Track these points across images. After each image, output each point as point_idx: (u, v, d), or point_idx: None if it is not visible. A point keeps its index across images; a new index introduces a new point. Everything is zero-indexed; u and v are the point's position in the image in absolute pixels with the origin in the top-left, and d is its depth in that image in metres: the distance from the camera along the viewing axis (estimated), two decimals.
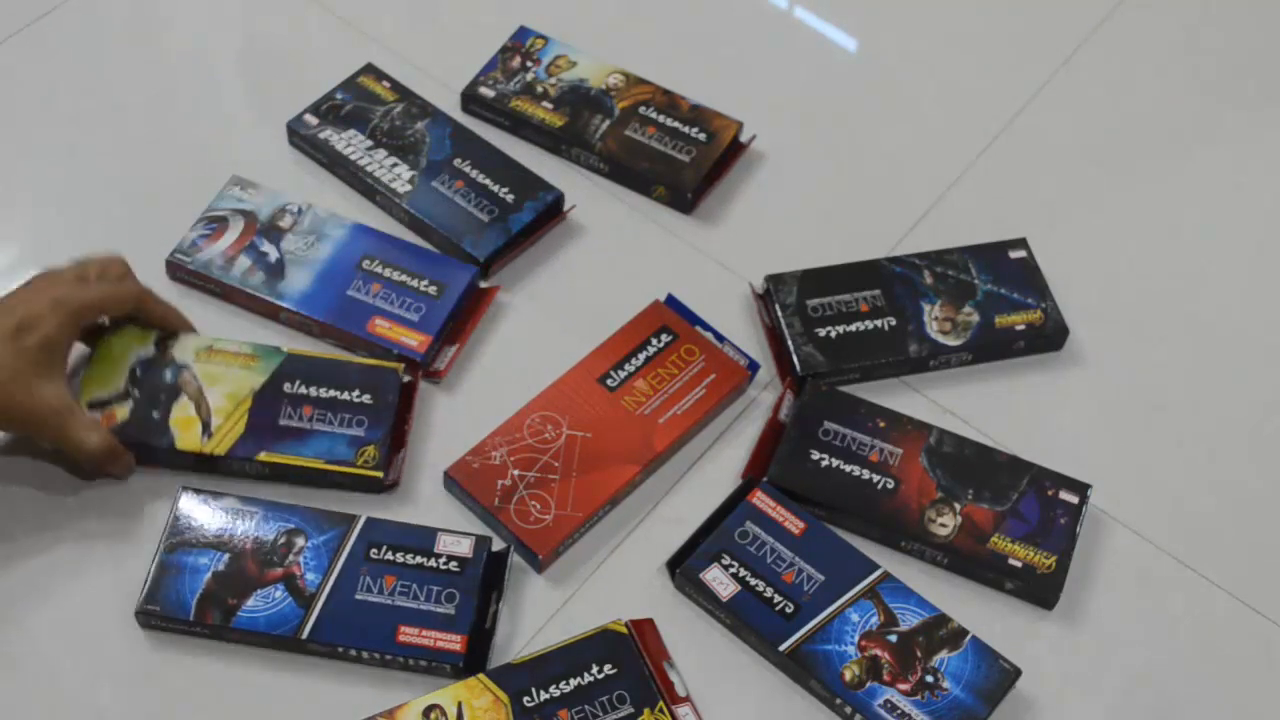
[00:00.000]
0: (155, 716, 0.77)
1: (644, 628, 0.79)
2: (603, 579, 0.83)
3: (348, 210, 0.99)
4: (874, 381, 0.93)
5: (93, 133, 1.03)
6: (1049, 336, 0.94)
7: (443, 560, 0.80)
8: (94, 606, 0.80)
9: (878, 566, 0.82)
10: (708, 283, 0.97)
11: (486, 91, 1.05)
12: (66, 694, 0.77)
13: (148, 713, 0.77)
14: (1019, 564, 0.83)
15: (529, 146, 1.04)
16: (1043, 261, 0.96)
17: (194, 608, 0.77)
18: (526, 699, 0.75)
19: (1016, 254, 0.97)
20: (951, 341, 0.92)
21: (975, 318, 0.93)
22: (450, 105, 1.05)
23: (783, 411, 0.90)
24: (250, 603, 0.78)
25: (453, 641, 0.77)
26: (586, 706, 0.75)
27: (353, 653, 0.78)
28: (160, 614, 0.78)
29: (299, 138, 1.02)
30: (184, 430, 0.83)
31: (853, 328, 0.92)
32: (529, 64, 1.06)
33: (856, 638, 0.79)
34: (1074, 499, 0.85)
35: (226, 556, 0.79)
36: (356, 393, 0.85)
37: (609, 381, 0.89)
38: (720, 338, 0.92)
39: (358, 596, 0.78)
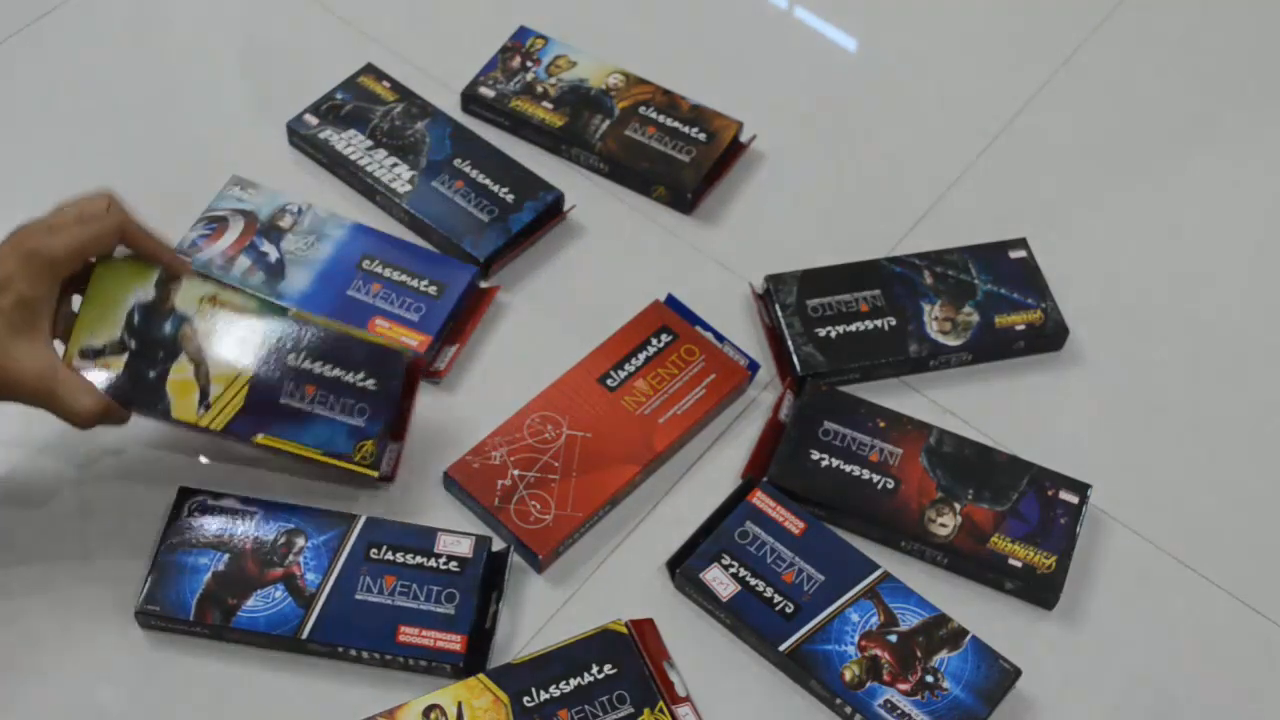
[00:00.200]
0: (155, 716, 0.77)
1: (644, 628, 0.79)
2: (603, 579, 0.83)
3: (348, 210, 0.99)
4: (874, 381, 0.93)
5: (93, 133, 1.03)
6: (1049, 336, 0.94)
7: (443, 560, 0.80)
8: (94, 606, 0.80)
9: (878, 566, 0.82)
10: (708, 283, 0.97)
11: (486, 91, 1.05)
12: (66, 694, 0.77)
13: (148, 713, 0.77)
14: (1019, 564, 0.83)
15: (529, 146, 1.04)
16: (1043, 261, 0.96)
17: (194, 608, 0.77)
18: (526, 699, 0.75)
19: (1016, 254, 0.97)
20: (951, 341, 0.92)
21: (975, 318, 0.93)
22: (450, 105, 1.05)
23: (783, 411, 0.90)
24: (250, 603, 0.78)
25: (453, 641, 0.77)
26: (586, 706, 0.75)
27: (353, 653, 0.78)
28: (160, 614, 0.78)
29: (299, 138, 1.02)
30: (181, 397, 0.78)
31: (853, 328, 0.92)
32: (529, 64, 1.06)
33: (856, 638, 0.79)
34: (1074, 499, 0.85)
35: (226, 556, 0.79)
36: (361, 375, 0.80)
37: (609, 381, 0.89)
38: (720, 338, 0.92)
39: (358, 596, 0.78)
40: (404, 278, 0.92)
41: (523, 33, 1.08)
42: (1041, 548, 0.83)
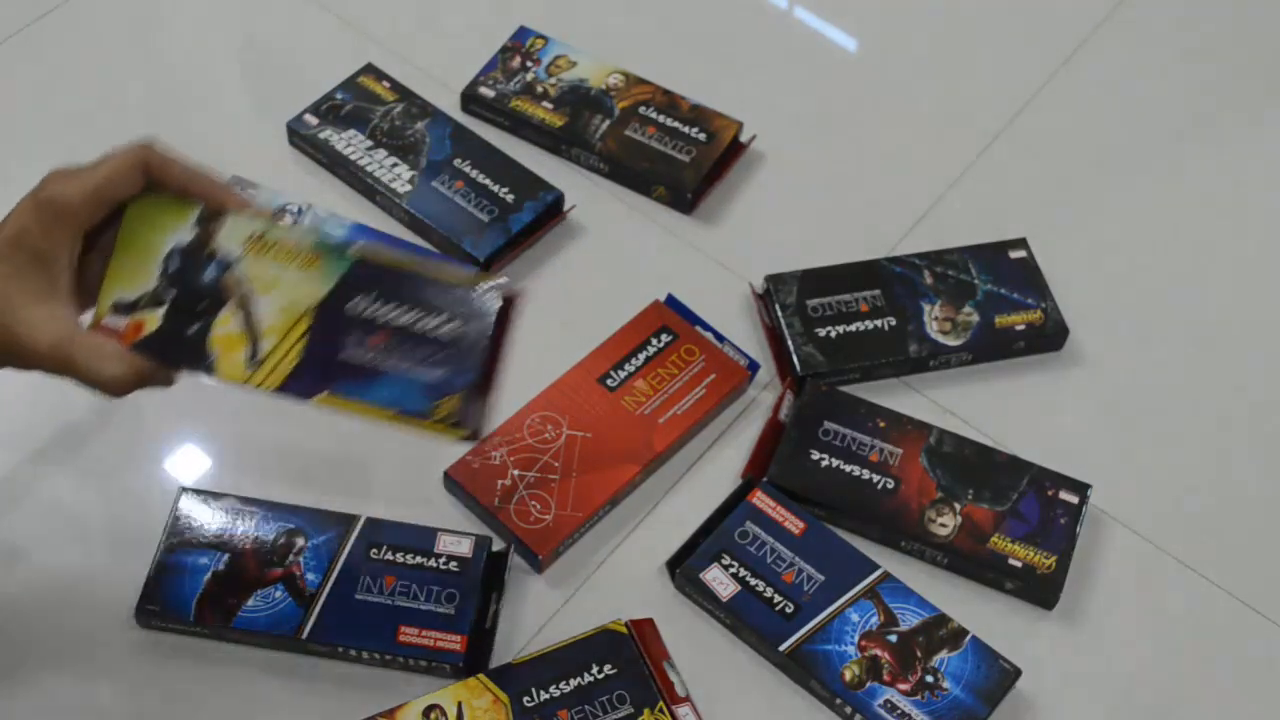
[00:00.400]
0: (155, 716, 0.77)
1: (644, 628, 0.79)
2: (603, 579, 0.83)
3: (348, 210, 0.99)
4: (874, 381, 0.93)
5: (93, 133, 1.03)
6: (1049, 336, 0.94)
7: (443, 560, 0.80)
8: (94, 606, 0.80)
9: (878, 566, 0.82)
10: (708, 283, 0.97)
11: (486, 91, 1.05)
12: (66, 694, 0.77)
13: (148, 713, 0.77)
14: (1019, 564, 0.83)
15: (529, 146, 1.04)
16: (1043, 261, 0.96)
17: (194, 608, 0.77)
18: (526, 699, 0.75)
19: (1016, 254, 0.97)
20: (951, 341, 0.92)
21: (975, 318, 0.93)
22: (450, 105, 1.05)
23: (783, 411, 0.90)
24: (250, 603, 0.78)
25: (453, 641, 0.77)
26: (586, 706, 0.75)
27: (353, 653, 0.78)
28: (160, 614, 0.78)
29: (299, 138, 1.02)
30: (227, 353, 0.67)
31: (853, 328, 0.92)
32: (529, 64, 1.06)
33: (856, 638, 0.79)
34: (1074, 499, 0.85)
35: (226, 556, 0.79)
36: (441, 319, 0.67)
37: (609, 381, 0.89)
38: (720, 338, 0.92)
39: (358, 596, 0.78)
40: None
41: (523, 33, 1.08)
42: (1041, 548, 0.83)
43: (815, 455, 0.86)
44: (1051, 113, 1.10)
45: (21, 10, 1.10)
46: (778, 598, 0.80)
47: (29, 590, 0.81)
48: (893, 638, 0.79)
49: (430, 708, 0.75)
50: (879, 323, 0.93)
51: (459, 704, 0.75)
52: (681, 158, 1.01)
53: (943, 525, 0.84)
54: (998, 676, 0.78)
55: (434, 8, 1.14)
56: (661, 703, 0.76)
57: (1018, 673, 0.78)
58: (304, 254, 0.68)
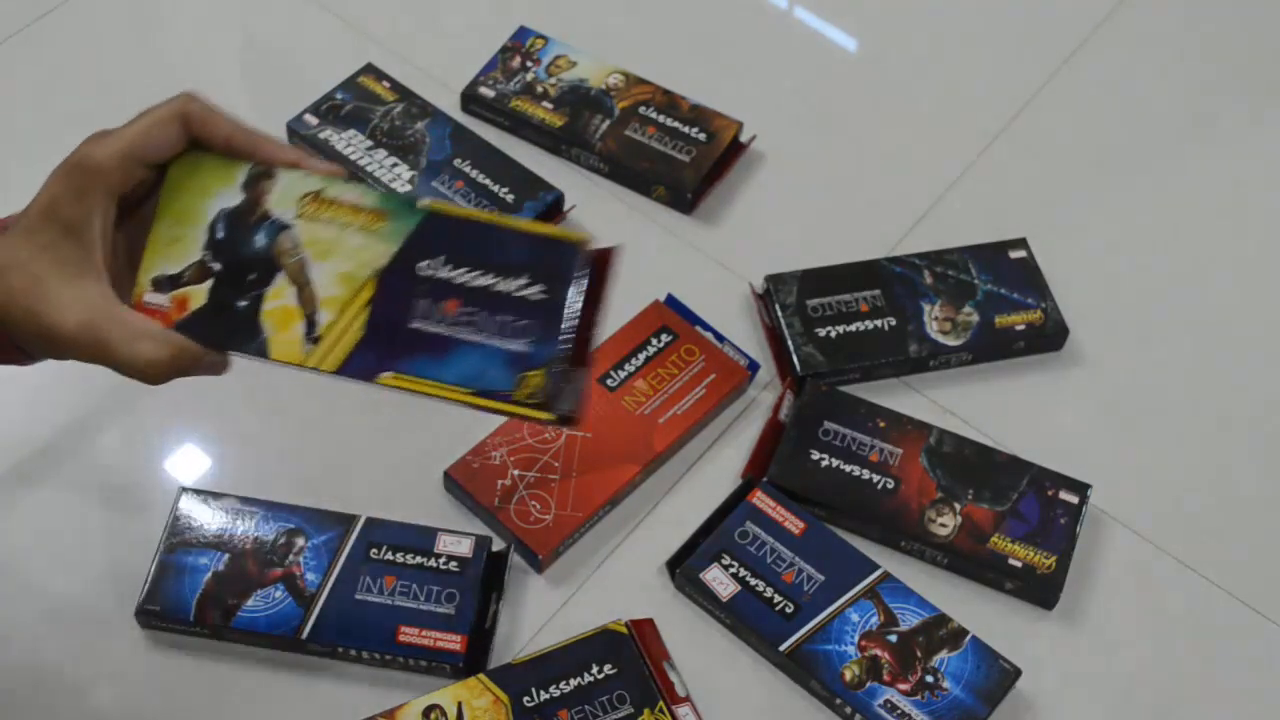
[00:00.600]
0: (155, 716, 0.77)
1: (644, 628, 0.79)
2: (603, 579, 0.83)
3: None
4: (874, 381, 0.93)
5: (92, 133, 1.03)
6: (1049, 336, 0.94)
7: (443, 560, 0.80)
8: (94, 606, 0.80)
9: (878, 566, 0.82)
10: (708, 283, 0.97)
11: (486, 91, 1.05)
12: (67, 694, 0.77)
13: (148, 713, 0.77)
14: (1019, 564, 0.83)
15: (529, 146, 1.04)
16: (1043, 261, 0.96)
17: (194, 608, 0.77)
18: (526, 699, 0.75)
19: (1016, 254, 0.97)
20: (951, 341, 0.92)
21: (975, 318, 0.93)
22: (450, 105, 1.05)
23: (783, 411, 0.90)
24: (250, 603, 0.78)
25: (453, 641, 0.77)
26: (586, 706, 0.75)
27: (353, 653, 0.78)
28: (160, 614, 0.78)
29: (299, 138, 1.02)
30: (280, 329, 0.59)
31: (853, 328, 0.92)
32: (529, 64, 1.06)
33: (856, 638, 0.79)
34: (1074, 499, 0.85)
35: (226, 556, 0.79)
36: (524, 280, 0.58)
37: (609, 381, 0.89)
38: (720, 338, 0.92)
39: (358, 596, 0.78)
40: None
41: (523, 33, 1.08)
42: (1041, 548, 0.83)
43: (815, 455, 0.86)
44: (1051, 113, 1.10)
45: (21, 10, 1.10)
46: (778, 598, 0.80)
47: (29, 590, 0.81)
48: (893, 638, 0.79)
49: (430, 708, 0.75)
50: (879, 323, 0.93)
51: (459, 704, 0.75)
52: (681, 158, 1.01)
53: (943, 525, 0.84)
54: (998, 676, 0.78)
55: (434, 8, 1.14)
56: (661, 703, 0.76)
57: (1018, 673, 0.78)
58: (367, 212, 0.60)
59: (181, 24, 1.13)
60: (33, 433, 0.87)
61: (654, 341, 0.91)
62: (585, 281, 0.59)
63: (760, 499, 0.84)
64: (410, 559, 0.80)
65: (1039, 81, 1.12)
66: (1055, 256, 0.97)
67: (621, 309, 0.93)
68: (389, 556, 0.80)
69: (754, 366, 0.91)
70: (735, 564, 0.81)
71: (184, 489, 0.82)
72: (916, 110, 1.10)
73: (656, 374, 0.89)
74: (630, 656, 0.77)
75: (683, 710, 0.76)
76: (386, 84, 1.04)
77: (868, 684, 0.77)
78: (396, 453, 0.87)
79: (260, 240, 0.60)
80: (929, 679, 0.78)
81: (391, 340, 0.58)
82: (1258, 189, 1.07)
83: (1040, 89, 1.12)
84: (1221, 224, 1.04)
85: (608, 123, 1.03)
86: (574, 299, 0.59)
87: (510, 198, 0.98)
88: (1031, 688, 0.79)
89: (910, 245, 1.00)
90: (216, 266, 0.60)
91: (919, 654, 0.79)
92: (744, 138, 1.04)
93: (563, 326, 0.58)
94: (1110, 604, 0.84)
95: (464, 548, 0.81)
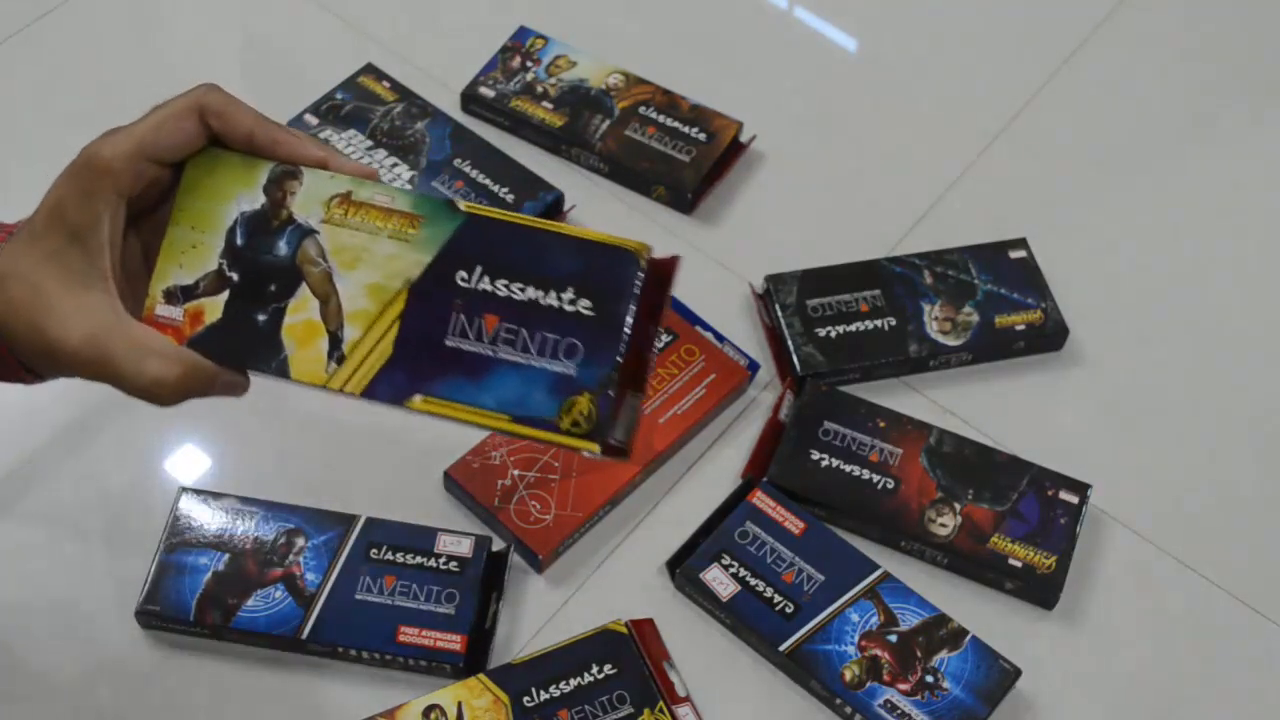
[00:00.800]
0: (155, 716, 0.77)
1: (644, 628, 0.79)
2: (603, 579, 0.83)
3: None
4: (874, 381, 0.93)
5: (93, 133, 1.03)
6: (1049, 336, 0.94)
7: (443, 560, 0.80)
8: (94, 606, 0.80)
9: (878, 566, 0.82)
10: (708, 283, 0.97)
11: (486, 91, 1.05)
12: (66, 694, 0.77)
13: (148, 713, 0.77)
14: (1019, 564, 0.83)
15: (529, 146, 1.04)
16: (1043, 261, 0.96)
17: (194, 608, 0.77)
18: (526, 699, 0.75)
19: (1016, 254, 0.97)
20: (951, 341, 0.92)
21: (975, 318, 0.93)
22: (450, 105, 1.05)
23: (783, 411, 0.90)
24: (250, 603, 0.78)
25: (453, 641, 0.77)
26: (586, 706, 0.75)
27: (353, 653, 0.78)
28: (160, 614, 0.78)
29: None
30: (303, 347, 0.54)
31: (853, 328, 0.92)
32: (529, 64, 1.06)
33: (856, 638, 0.79)
34: (1074, 499, 0.85)
35: (226, 556, 0.79)
36: (569, 295, 0.53)
37: None
38: (720, 338, 0.92)
39: (358, 596, 0.78)
40: None
41: (523, 33, 1.08)
42: (1041, 548, 0.83)
43: (815, 455, 0.86)
44: (1051, 113, 1.10)
45: (21, 10, 1.10)
46: (778, 598, 0.80)
47: (29, 590, 0.81)
48: (893, 638, 0.79)
49: (430, 708, 0.75)
50: (879, 323, 0.93)
51: (459, 704, 0.75)
52: (681, 158, 1.01)
53: (943, 525, 0.84)
54: (998, 676, 0.78)
55: (434, 8, 1.14)
56: (661, 703, 0.76)
57: (1018, 673, 0.78)
58: (399, 216, 0.54)
59: (181, 24, 1.13)
60: (32, 432, 0.87)
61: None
62: (640, 291, 0.53)
63: (760, 499, 0.84)
64: (410, 559, 0.80)
65: (1039, 81, 1.12)
66: (1055, 256, 0.97)
67: None
68: (389, 556, 0.80)
69: (754, 366, 0.91)
70: (735, 564, 0.81)
71: (184, 489, 0.82)
72: (916, 110, 1.10)
73: (656, 374, 0.89)
74: (630, 656, 0.77)
75: (683, 710, 0.76)
76: (386, 84, 1.04)
77: (868, 684, 0.77)
78: (396, 453, 0.87)
79: (283, 248, 0.55)
80: (929, 679, 0.78)
81: (423, 360, 0.53)
82: (1258, 189, 1.07)
83: (1040, 89, 1.12)
84: (1221, 224, 1.04)
85: (608, 123, 1.03)
86: (628, 315, 0.53)
87: (510, 198, 0.98)
88: (1031, 688, 0.79)
89: (910, 245, 1.00)
90: (234, 276, 0.55)
91: (919, 654, 0.79)
92: (744, 138, 1.04)
93: (615, 346, 0.52)
94: (1110, 604, 0.84)
95: (464, 548, 0.81)
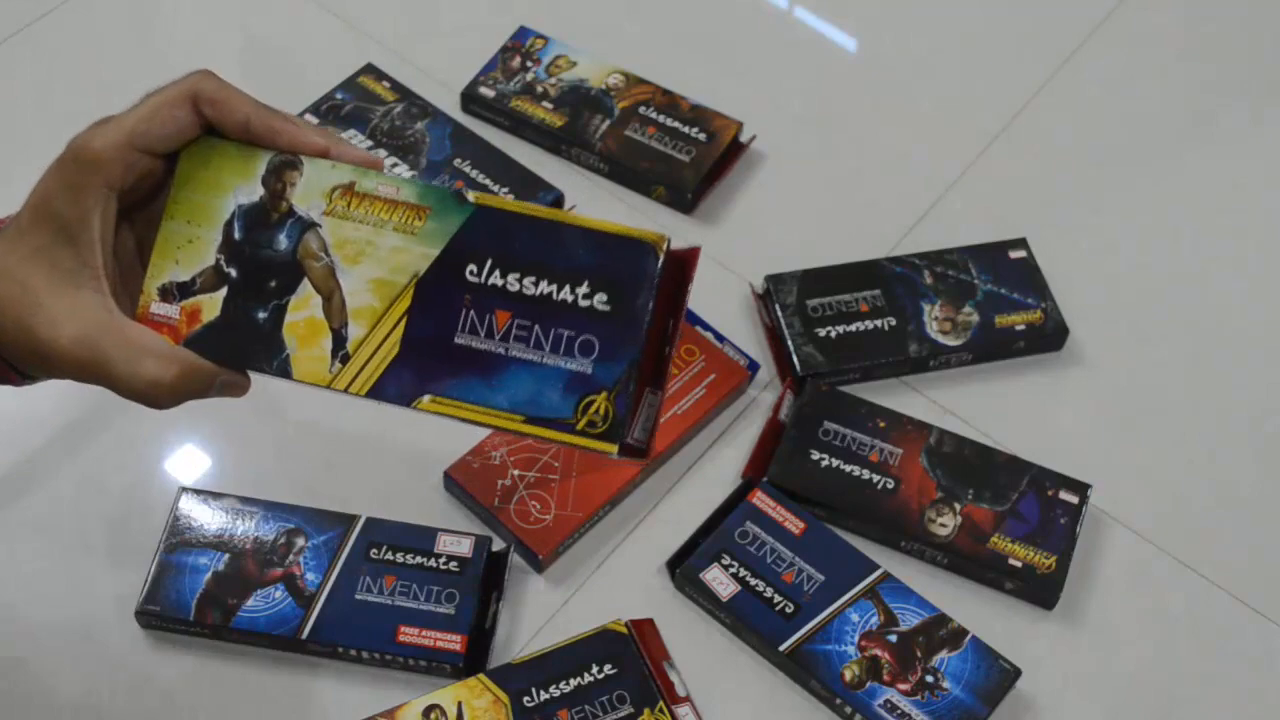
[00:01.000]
0: (155, 716, 0.77)
1: (644, 628, 0.79)
2: (603, 579, 0.83)
3: None
4: (874, 381, 0.93)
5: None
6: (1049, 336, 0.94)
7: (443, 560, 0.80)
8: (94, 606, 0.80)
9: (878, 566, 0.82)
10: (708, 283, 0.97)
11: (486, 91, 1.05)
12: (66, 694, 0.77)
13: (148, 713, 0.77)
14: (1019, 564, 0.83)
15: (529, 146, 1.04)
16: (1043, 261, 0.96)
17: (194, 608, 0.77)
18: (526, 699, 0.75)
19: (1016, 254, 0.97)
20: (951, 341, 0.92)
21: (975, 318, 0.93)
22: (450, 105, 1.05)
23: (783, 411, 0.90)
24: (250, 603, 0.78)
25: (453, 641, 0.77)
26: (586, 706, 0.75)
27: (353, 653, 0.78)
28: (160, 614, 0.78)
29: None
30: (305, 345, 0.53)
31: (853, 328, 0.92)
32: (529, 64, 1.06)
33: (856, 638, 0.79)
34: (1074, 499, 0.85)
35: (226, 556, 0.79)
36: (585, 289, 0.51)
37: None
38: (720, 338, 0.92)
39: (358, 596, 0.78)
40: None
41: (523, 33, 1.08)
42: (1041, 548, 0.83)
43: (815, 455, 0.86)
44: (1051, 113, 1.10)
45: (21, 10, 1.10)
46: (778, 598, 0.80)
47: (29, 590, 0.81)
48: (893, 638, 0.79)
49: (430, 708, 0.75)
50: (879, 323, 0.93)
51: (459, 704, 0.75)
52: (681, 158, 1.01)
53: (943, 525, 0.84)
54: (998, 676, 0.78)
55: (434, 8, 1.14)
56: (661, 703, 0.76)
57: (1018, 673, 0.78)
58: (405, 208, 0.52)
59: (181, 24, 1.13)
60: (32, 432, 0.87)
61: None
62: (657, 285, 0.51)
63: (760, 499, 0.84)
64: (410, 559, 0.80)
65: (1039, 81, 1.12)
66: (1055, 256, 0.97)
67: None
68: (389, 556, 0.80)
69: (754, 366, 0.91)
70: (735, 564, 0.81)
71: (184, 489, 0.82)
72: (916, 110, 1.10)
73: None
74: (630, 656, 0.77)
75: (683, 710, 0.76)
76: (386, 84, 1.04)
77: (868, 684, 0.77)
78: (396, 453, 0.87)
79: (283, 242, 0.53)
80: (929, 679, 0.78)
81: (432, 358, 0.51)
82: (1258, 189, 1.07)
83: (1040, 89, 1.12)
84: (1221, 224, 1.04)
85: (608, 123, 1.03)
86: (647, 310, 0.50)
87: (510, 198, 0.98)
88: (1031, 688, 0.79)
89: (910, 245, 1.00)
90: (232, 272, 0.53)
91: (919, 654, 0.79)
92: (744, 138, 1.04)
93: (634, 343, 0.50)
94: (1110, 604, 0.84)
95: (464, 548, 0.81)
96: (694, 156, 1.01)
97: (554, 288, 0.51)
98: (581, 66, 1.06)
